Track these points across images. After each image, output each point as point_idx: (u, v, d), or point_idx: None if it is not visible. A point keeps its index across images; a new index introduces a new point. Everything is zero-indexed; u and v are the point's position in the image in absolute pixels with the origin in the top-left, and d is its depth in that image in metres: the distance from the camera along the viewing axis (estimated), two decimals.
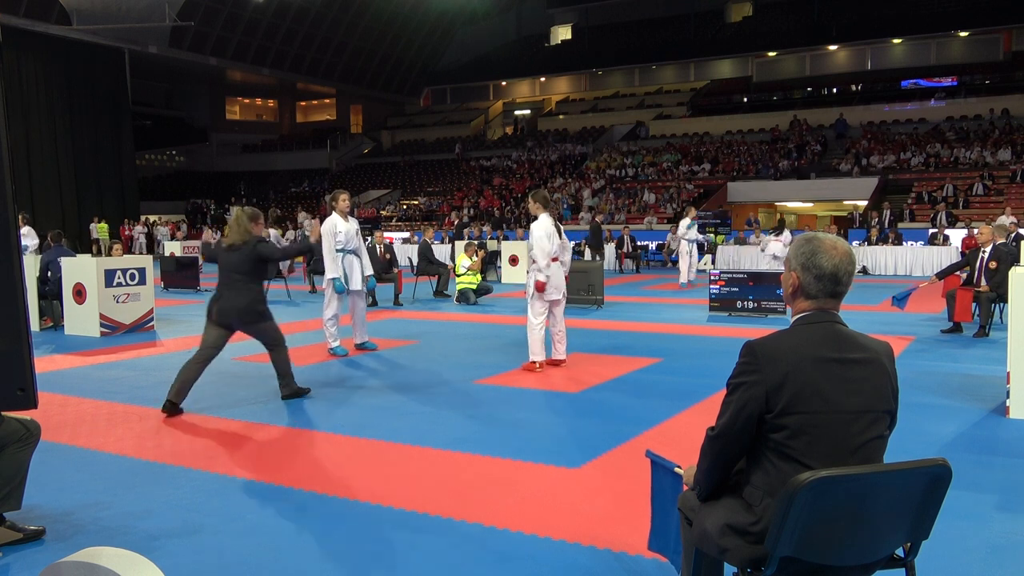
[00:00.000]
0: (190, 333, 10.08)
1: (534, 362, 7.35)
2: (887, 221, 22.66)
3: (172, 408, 5.82)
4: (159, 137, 46.04)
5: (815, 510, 1.95)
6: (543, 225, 7.26)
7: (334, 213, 8.22)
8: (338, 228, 8.11)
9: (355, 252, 8.29)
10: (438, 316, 11.72)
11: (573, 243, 25.23)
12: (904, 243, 20.67)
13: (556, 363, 7.60)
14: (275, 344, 6.20)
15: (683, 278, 16.14)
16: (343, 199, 8.25)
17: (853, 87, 37.53)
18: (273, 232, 19.44)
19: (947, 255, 19.22)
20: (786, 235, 17.93)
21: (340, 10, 41.49)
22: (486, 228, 25.08)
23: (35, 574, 3.06)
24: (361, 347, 8.62)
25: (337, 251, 8.11)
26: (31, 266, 10.54)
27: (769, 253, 16.73)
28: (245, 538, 3.57)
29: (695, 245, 16.72)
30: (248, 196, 41.63)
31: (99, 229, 30.66)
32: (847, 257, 2.20)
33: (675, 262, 23.37)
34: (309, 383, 6.97)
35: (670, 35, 42.71)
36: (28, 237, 15.29)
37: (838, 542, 2.02)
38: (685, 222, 16.41)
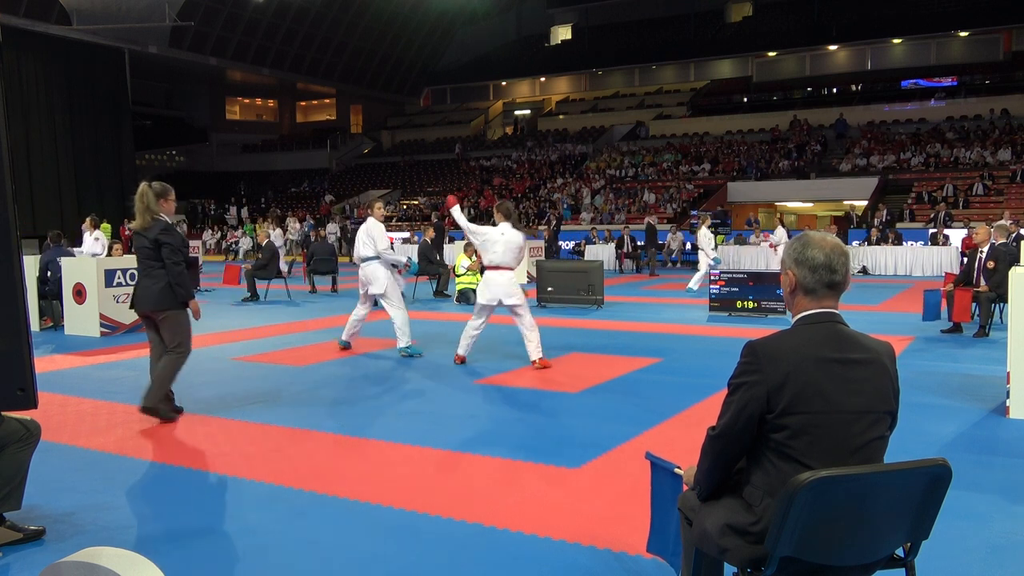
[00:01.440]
0: None
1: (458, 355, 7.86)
2: (884, 221, 22.67)
3: (169, 413, 5.71)
4: (159, 137, 46.02)
5: (815, 510, 1.95)
6: (496, 229, 7.61)
7: (371, 218, 8.39)
8: (384, 232, 8.42)
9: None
10: (438, 316, 11.72)
11: (573, 243, 25.36)
12: (904, 243, 20.67)
13: (540, 365, 7.56)
14: (177, 347, 5.57)
15: (696, 283, 15.29)
16: (379, 207, 8.55)
17: (853, 87, 37.53)
18: (274, 232, 19.45)
19: (947, 255, 19.22)
20: (781, 232, 17.77)
21: (340, 10, 41.49)
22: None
23: (35, 574, 3.06)
24: (345, 346, 8.74)
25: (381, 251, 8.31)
26: (31, 266, 10.54)
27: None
28: (245, 538, 3.57)
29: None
30: (248, 196, 41.63)
31: (104, 229, 30.66)
32: (838, 248, 2.21)
33: (675, 262, 23.41)
34: (309, 383, 6.96)
35: (670, 35, 42.71)
36: (98, 242, 14.95)
37: (838, 542, 2.02)
38: (706, 233, 15.51)
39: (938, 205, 24.63)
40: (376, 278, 8.18)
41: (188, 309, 5.60)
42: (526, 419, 5.73)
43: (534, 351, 7.58)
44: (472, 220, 31.62)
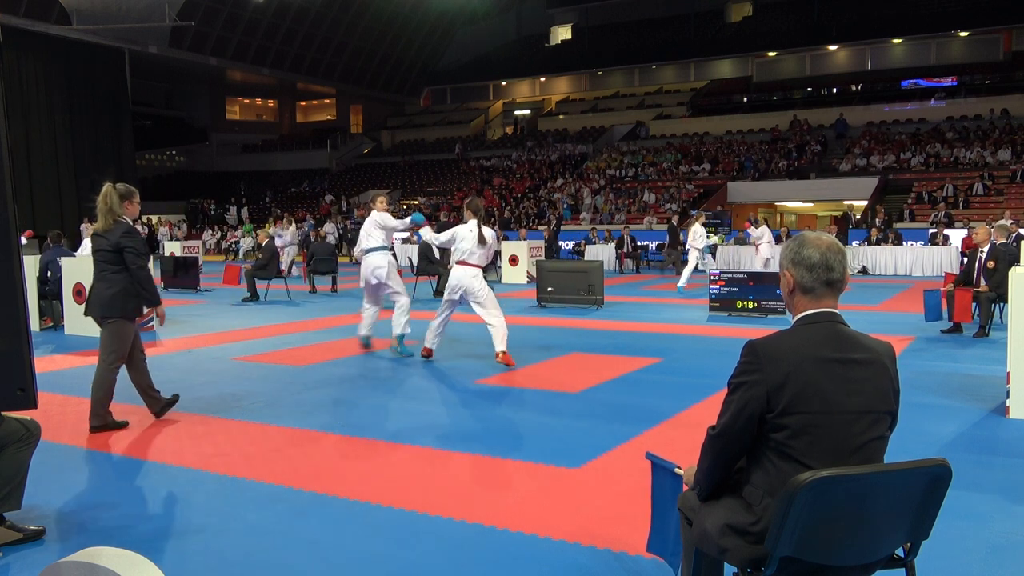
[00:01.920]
0: (190, 333, 10.08)
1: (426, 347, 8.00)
2: (883, 222, 22.65)
3: (118, 422, 5.51)
4: (159, 137, 46.02)
5: (815, 510, 1.95)
6: (466, 226, 7.71)
7: (375, 211, 8.45)
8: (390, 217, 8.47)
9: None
10: None
11: (573, 243, 25.35)
12: (904, 243, 20.66)
13: (502, 359, 7.64)
14: (108, 356, 5.30)
15: (684, 281, 15.35)
16: (381, 200, 8.55)
17: (853, 87, 37.54)
18: (287, 230, 19.50)
19: (947, 255, 19.20)
20: (764, 230, 17.42)
21: (340, 10, 41.49)
22: (496, 228, 25.25)
23: (35, 574, 3.06)
24: (366, 343, 8.76)
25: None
26: (31, 266, 10.54)
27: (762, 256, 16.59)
28: (245, 538, 3.57)
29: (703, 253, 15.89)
30: (248, 196, 41.65)
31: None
32: (834, 246, 2.21)
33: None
34: (309, 383, 6.96)
35: (670, 35, 42.71)
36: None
37: (838, 542, 2.02)
38: (698, 230, 15.48)
39: (938, 205, 24.63)
40: (378, 265, 8.27)
41: (133, 322, 5.32)
42: (526, 419, 5.72)
43: (498, 342, 7.59)
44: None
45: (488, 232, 7.72)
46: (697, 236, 15.40)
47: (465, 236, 7.63)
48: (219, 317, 11.89)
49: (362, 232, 8.53)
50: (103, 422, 5.39)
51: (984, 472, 4.44)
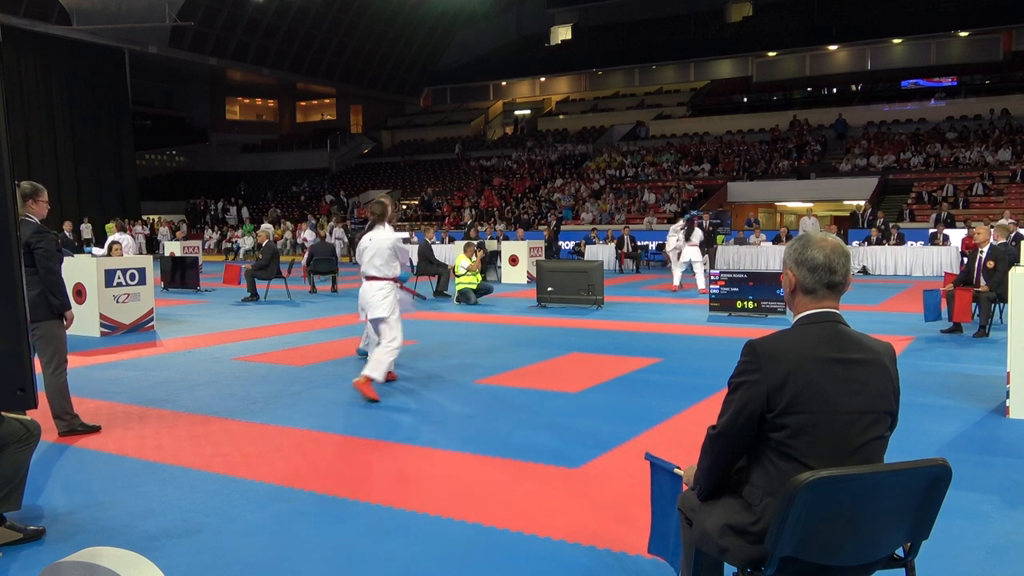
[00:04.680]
0: (190, 333, 10.08)
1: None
2: (882, 224, 22.63)
3: (88, 425, 5.38)
4: (159, 137, 46.04)
5: (815, 510, 1.95)
6: (367, 235, 6.65)
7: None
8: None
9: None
10: (438, 316, 11.71)
11: (572, 243, 25.35)
12: (904, 243, 20.66)
13: (361, 382, 6.37)
14: (52, 357, 5.13)
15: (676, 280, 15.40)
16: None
17: (853, 87, 37.55)
18: (336, 229, 19.36)
19: (947, 255, 19.20)
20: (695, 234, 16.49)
21: (340, 10, 41.49)
22: (498, 228, 25.30)
23: (35, 574, 3.06)
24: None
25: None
26: None
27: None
28: (245, 538, 3.57)
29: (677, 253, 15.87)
30: (248, 196, 41.66)
31: (108, 229, 30.70)
32: (838, 248, 2.21)
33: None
34: (309, 383, 6.96)
35: (670, 35, 42.72)
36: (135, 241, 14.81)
37: (838, 542, 2.02)
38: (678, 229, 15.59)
39: (938, 205, 24.62)
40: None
41: (62, 320, 5.14)
42: (525, 419, 5.72)
43: (369, 366, 6.36)
44: (474, 220, 31.46)
45: (390, 236, 6.52)
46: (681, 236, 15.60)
47: (364, 247, 6.56)
48: (219, 317, 11.89)
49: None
50: (70, 427, 5.26)
51: (984, 472, 4.44)
